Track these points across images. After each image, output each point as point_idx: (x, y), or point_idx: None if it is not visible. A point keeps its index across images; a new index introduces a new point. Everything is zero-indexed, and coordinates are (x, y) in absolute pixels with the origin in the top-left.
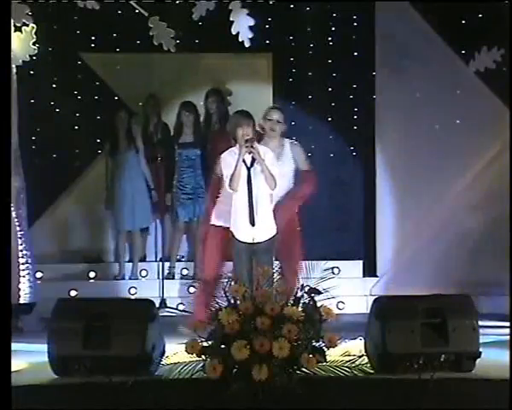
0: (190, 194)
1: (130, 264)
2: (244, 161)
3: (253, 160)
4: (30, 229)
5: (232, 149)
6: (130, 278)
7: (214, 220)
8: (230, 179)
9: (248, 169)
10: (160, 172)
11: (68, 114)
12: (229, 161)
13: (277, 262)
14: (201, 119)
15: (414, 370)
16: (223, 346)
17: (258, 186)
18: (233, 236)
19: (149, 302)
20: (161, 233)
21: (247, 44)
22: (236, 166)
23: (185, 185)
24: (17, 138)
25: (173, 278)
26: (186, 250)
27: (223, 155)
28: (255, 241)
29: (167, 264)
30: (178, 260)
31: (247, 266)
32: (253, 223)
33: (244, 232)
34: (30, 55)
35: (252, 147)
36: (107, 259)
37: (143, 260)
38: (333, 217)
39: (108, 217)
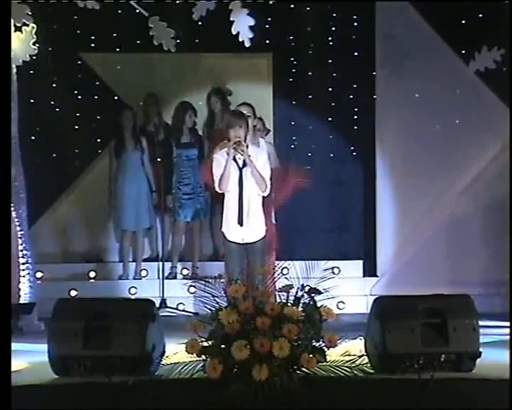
0: (190, 194)
1: (133, 264)
2: (236, 161)
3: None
4: (30, 229)
5: (225, 149)
6: (134, 278)
7: None
8: (220, 180)
9: (240, 170)
10: (160, 173)
11: (68, 114)
12: (220, 161)
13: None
14: (205, 118)
15: (414, 370)
16: (223, 346)
17: (249, 187)
18: (224, 236)
19: (149, 302)
20: (162, 233)
21: (247, 44)
22: (226, 168)
23: (185, 185)
24: (17, 138)
25: (174, 278)
26: (186, 250)
27: (215, 155)
28: (244, 241)
29: (168, 264)
30: (179, 260)
31: (238, 266)
32: (241, 223)
33: (234, 233)
34: (30, 55)
35: (241, 150)
36: (107, 259)
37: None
38: (333, 217)
39: (110, 217)
